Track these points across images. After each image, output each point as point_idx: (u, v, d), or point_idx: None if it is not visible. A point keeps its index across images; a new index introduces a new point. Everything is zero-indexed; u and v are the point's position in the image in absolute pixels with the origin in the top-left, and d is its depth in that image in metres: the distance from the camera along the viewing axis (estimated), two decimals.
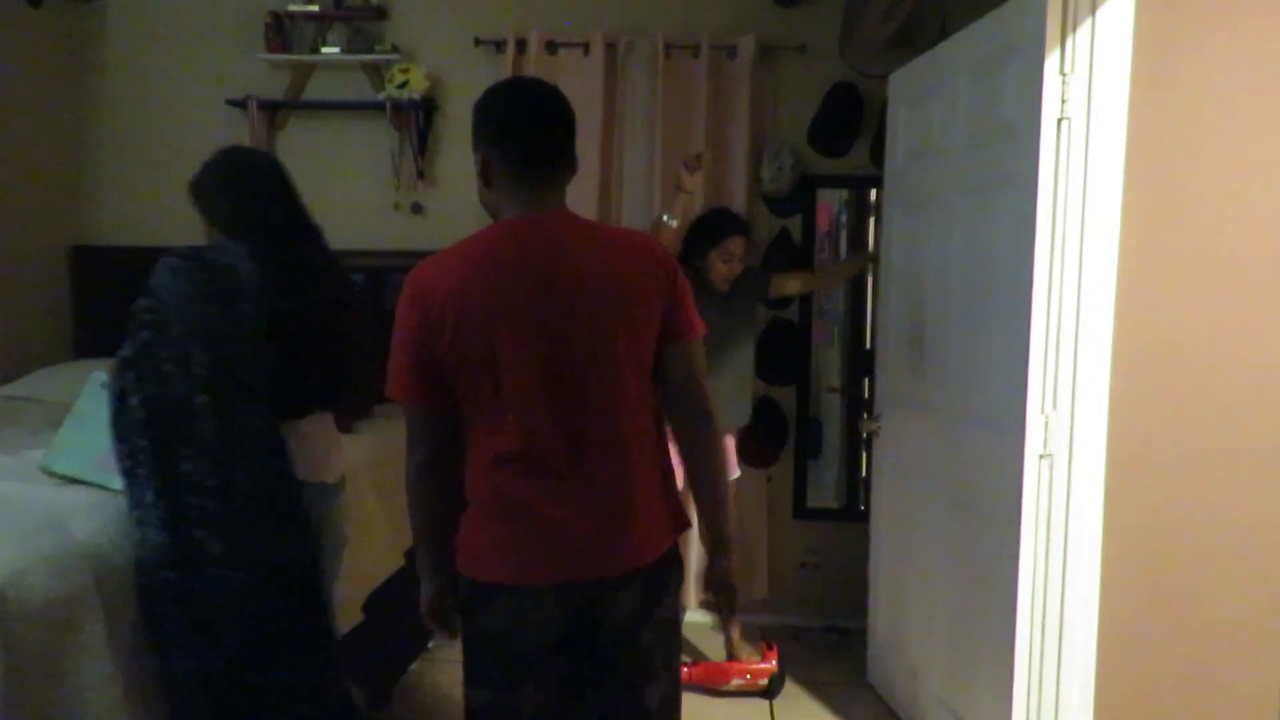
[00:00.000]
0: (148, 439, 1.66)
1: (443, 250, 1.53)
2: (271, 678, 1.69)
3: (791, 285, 3.19)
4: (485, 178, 1.53)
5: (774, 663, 2.94)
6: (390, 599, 2.68)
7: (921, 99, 2.75)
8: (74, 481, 1.92)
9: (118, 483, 1.74)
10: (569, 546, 1.49)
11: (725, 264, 2.93)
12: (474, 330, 1.45)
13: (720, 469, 1.65)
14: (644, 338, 1.52)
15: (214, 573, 1.65)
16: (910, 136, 2.85)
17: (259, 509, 1.67)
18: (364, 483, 2.59)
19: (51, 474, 1.97)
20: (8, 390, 2.99)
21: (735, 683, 2.92)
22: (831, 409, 4.10)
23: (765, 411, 3.46)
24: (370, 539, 2.58)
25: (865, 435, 3.14)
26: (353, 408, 1.96)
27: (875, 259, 3.06)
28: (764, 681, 2.92)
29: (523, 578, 1.49)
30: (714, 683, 2.93)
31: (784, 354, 3.45)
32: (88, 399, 1.96)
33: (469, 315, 1.45)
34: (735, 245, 2.93)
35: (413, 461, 1.55)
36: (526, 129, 1.51)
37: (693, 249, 2.95)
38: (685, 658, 2.95)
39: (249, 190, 1.82)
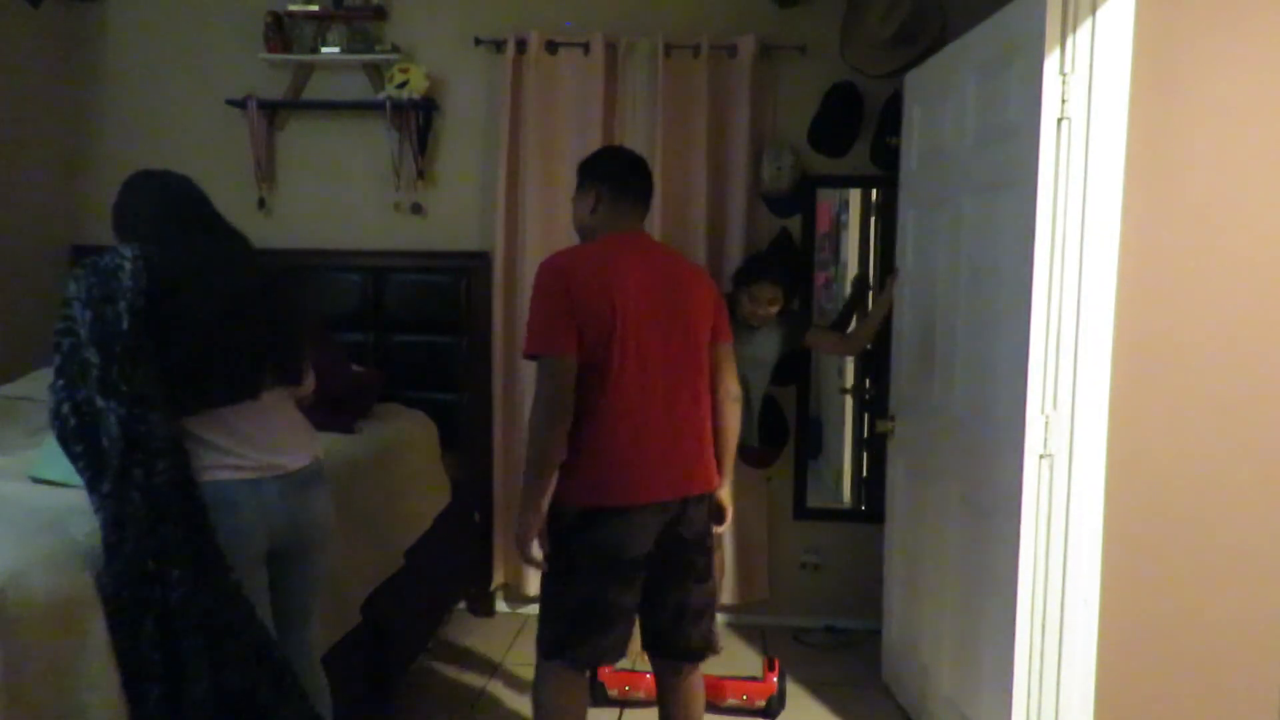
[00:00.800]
0: (83, 445, 1.68)
1: (565, 249, 2.08)
2: (194, 691, 1.68)
3: (825, 343, 3.25)
4: (593, 206, 2.11)
5: (774, 681, 2.85)
6: (390, 599, 2.67)
7: (934, 100, 2.75)
8: (67, 485, 1.91)
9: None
10: (666, 474, 2.04)
11: (750, 304, 2.98)
12: (608, 308, 1.95)
13: (736, 430, 2.26)
14: (705, 331, 2.14)
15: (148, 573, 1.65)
16: (924, 138, 2.86)
17: (161, 511, 1.67)
18: (365, 483, 2.59)
19: (40, 481, 1.96)
20: (7, 390, 2.98)
21: (731, 702, 2.86)
22: (831, 409, 4.10)
23: (765, 411, 3.45)
24: (371, 539, 2.58)
25: (880, 434, 3.12)
26: (294, 378, 1.98)
27: (894, 271, 3.06)
28: (762, 702, 2.85)
29: (637, 498, 2.00)
30: (710, 699, 2.81)
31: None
32: None
33: (605, 296, 1.96)
34: (763, 290, 2.96)
35: (554, 404, 1.94)
36: (631, 174, 2.16)
37: (735, 280, 3.08)
38: None
39: (155, 200, 1.91)
